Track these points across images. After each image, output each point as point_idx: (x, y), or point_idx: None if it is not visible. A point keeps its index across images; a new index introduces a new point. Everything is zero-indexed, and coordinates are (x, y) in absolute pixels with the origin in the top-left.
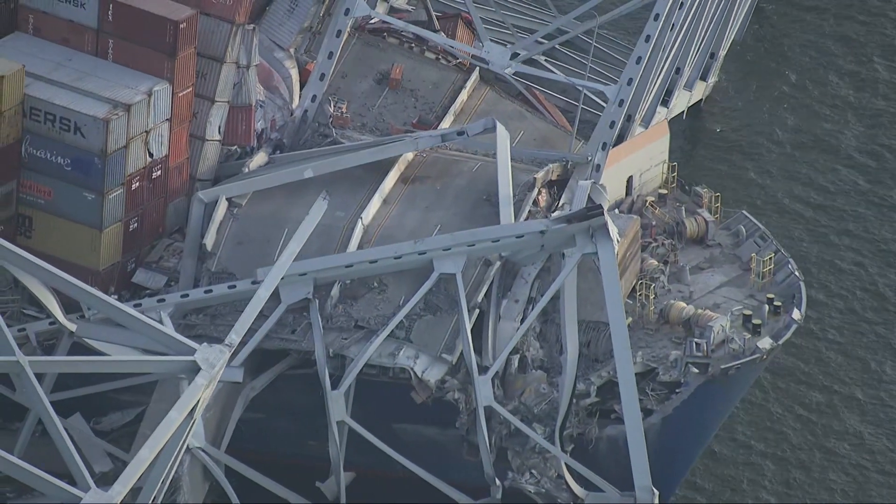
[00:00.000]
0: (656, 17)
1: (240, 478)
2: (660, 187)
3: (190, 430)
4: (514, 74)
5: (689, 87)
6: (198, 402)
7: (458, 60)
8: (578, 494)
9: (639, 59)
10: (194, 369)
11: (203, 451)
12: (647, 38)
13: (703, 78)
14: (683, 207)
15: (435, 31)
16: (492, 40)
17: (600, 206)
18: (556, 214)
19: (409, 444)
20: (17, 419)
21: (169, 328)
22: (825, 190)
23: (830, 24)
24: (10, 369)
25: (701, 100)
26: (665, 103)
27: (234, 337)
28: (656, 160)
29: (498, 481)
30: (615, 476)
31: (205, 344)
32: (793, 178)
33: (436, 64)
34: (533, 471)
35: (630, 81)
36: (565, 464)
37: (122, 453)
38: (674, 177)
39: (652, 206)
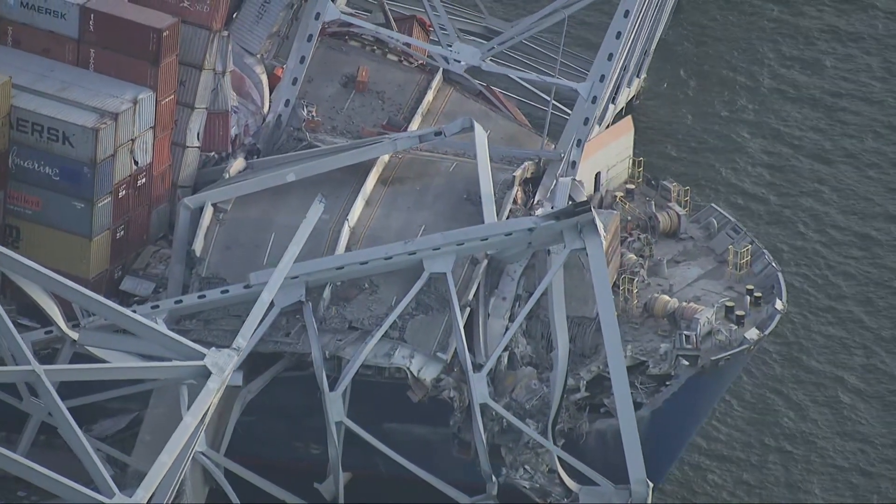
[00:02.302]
0: (626, 14)
1: (238, 480)
2: (626, 182)
3: (200, 434)
4: (484, 74)
5: (628, 83)
6: (210, 406)
7: (419, 62)
8: (572, 489)
9: (610, 56)
10: (205, 374)
11: (204, 454)
12: (618, 35)
13: (637, 74)
14: (653, 202)
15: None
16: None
17: (588, 202)
18: (540, 211)
19: (398, 444)
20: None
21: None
22: (779, 175)
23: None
24: (26, 378)
25: (634, 96)
26: (613, 100)
27: (242, 341)
28: (622, 156)
29: (494, 478)
30: (603, 470)
31: (213, 348)
32: (743, 166)
33: (399, 66)
34: (526, 466)
35: (602, 78)
36: (559, 458)
37: (123, 456)
38: (640, 172)
39: (622, 201)
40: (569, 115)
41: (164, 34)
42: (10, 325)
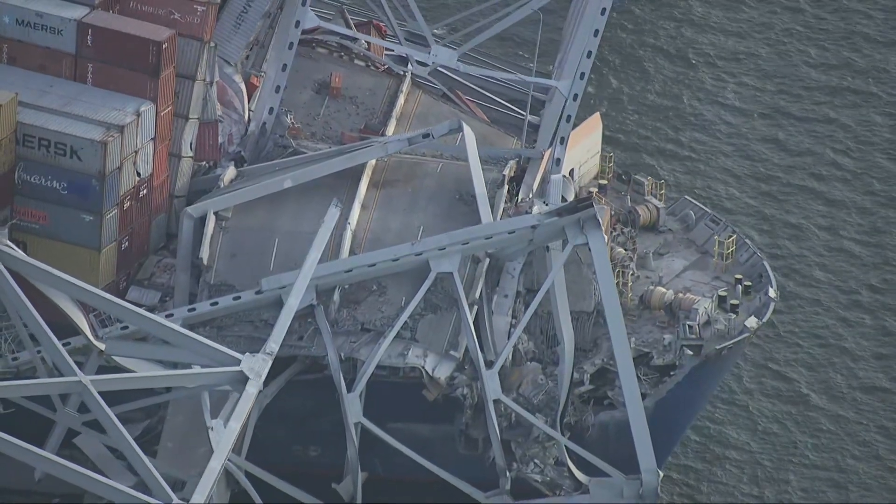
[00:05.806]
0: (603, 12)
1: (258, 482)
2: (596, 178)
3: (236, 438)
4: (460, 74)
5: None
6: (250, 410)
7: (385, 66)
8: (582, 480)
9: (590, 54)
10: (242, 379)
11: (228, 459)
12: (596, 33)
13: None
14: (629, 196)
15: (354, 39)
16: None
17: (590, 198)
18: (537, 208)
19: (407, 443)
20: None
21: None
22: (742, 165)
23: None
24: (72, 389)
25: None
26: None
27: (273, 345)
28: (592, 152)
29: (507, 473)
30: (606, 460)
31: (248, 353)
32: (702, 156)
33: (368, 70)
34: (536, 460)
35: (583, 76)
36: (570, 451)
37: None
38: (610, 167)
39: (598, 196)
40: (524, 115)
41: (164, 46)
42: (53, 338)
